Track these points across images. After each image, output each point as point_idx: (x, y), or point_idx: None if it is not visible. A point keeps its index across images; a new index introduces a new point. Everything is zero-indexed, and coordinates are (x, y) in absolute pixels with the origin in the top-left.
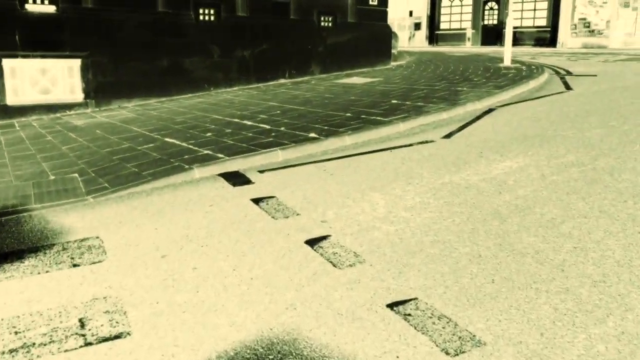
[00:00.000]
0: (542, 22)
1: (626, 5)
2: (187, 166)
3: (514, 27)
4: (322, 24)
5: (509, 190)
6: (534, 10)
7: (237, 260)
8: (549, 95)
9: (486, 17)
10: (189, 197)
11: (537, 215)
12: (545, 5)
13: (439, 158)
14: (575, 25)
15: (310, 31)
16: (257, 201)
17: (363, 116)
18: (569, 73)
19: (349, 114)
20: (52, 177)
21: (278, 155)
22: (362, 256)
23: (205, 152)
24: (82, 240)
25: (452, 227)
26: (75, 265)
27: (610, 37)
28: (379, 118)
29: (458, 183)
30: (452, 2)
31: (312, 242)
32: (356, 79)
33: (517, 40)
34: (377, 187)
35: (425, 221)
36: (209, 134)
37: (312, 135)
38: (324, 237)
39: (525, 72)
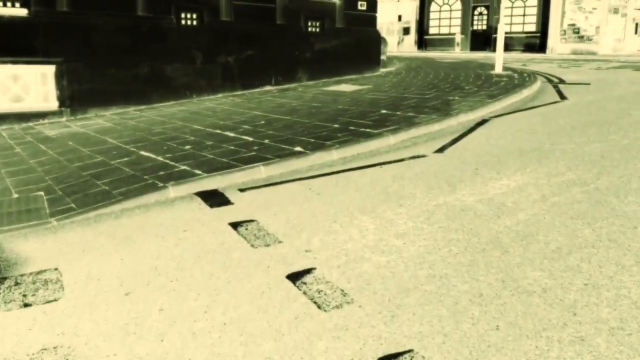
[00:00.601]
0: (532, 28)
1: (615, 11)
2: (161, 184)
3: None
4: (310, 29)
5: (508, 214)
6: (524, 15)
7: (210, 300)
8: (543, 105)
9: (475, 22)
10: (161, 219)
11: (540, 244)
12: (534, 10)
13: (431, 175)
14: (565, 31)
15: (297, 36)
16: (235, 225)
17: (351, 127)
18: (562, 81)
19: (336, 125)
20: (15, 196)
21: (261, 172)
22: (350, 295)
23: (183, 167)
24: (39, 273)
25: (448, 258)
26: (26, 305)
27: (599, 43)
28: (368, 130)
29: (453, 205)
30: (441, 6)
31: (294, 277)
32: (345, 86)
33: (506, 46)
34: (367, 209)
35: (419, 251)
36: (187, 147)
37: (298, 149)
38: (307, 271)
39: (517, 80)
